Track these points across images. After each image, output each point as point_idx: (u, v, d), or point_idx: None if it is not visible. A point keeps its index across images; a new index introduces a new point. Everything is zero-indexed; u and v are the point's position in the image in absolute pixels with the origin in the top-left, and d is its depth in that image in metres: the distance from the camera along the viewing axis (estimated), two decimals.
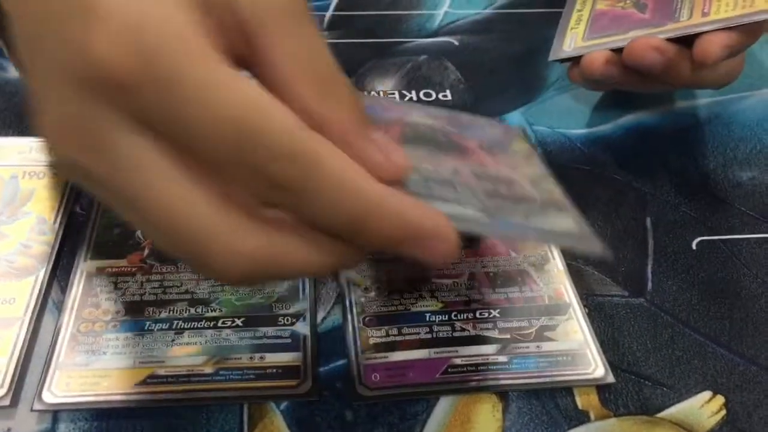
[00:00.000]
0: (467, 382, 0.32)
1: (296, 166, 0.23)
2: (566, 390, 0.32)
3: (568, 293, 0.35)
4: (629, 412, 0.31)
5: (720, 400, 0.32)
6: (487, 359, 0.32)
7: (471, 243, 0.37)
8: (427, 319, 0.34)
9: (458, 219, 0.27)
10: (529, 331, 0.33)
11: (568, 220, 0.31)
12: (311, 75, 0.25)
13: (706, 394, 0.32)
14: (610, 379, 0.32)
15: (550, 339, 0.33)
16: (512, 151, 0.36)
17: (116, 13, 0.23)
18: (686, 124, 0.46)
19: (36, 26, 0.24)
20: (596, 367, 0.32)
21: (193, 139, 0.23)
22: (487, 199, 0.30)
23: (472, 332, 0.33)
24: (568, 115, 0.46)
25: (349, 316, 0.34)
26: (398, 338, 0.33)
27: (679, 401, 0.32)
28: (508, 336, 0.33)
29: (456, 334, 0.33)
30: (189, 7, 0.24)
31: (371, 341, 0.33)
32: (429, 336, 0.33)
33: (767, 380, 0.32)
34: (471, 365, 0.32)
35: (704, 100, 0.48)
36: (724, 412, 0.31)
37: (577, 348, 0.33)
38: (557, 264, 0.37)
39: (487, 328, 0.33)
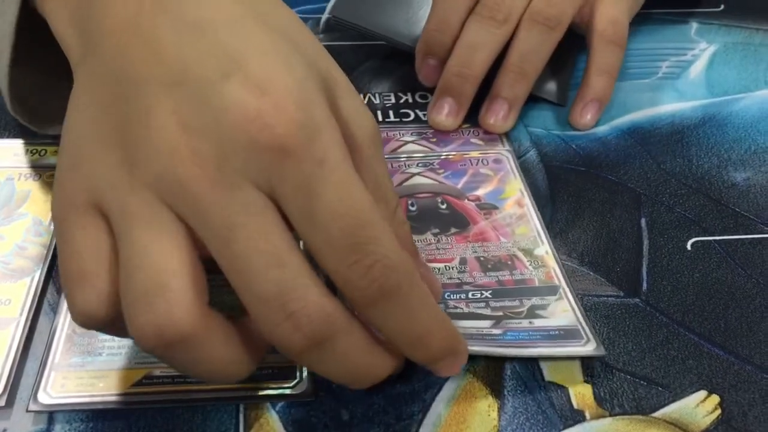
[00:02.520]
0: None
1: (395, 274, 0.25)
2: (562, 388, 0.32)
3: (558, 276, 0.36)
4: (624, 411, 0.31)
5: (715, 399, 0.32)
6: (481, 331, 0.33)
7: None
8: None
9: (470, 338, 0.32)
10: (521, 309, 0.34)
11: (565, 307, 0.34)
12: (381, 194, 0.28)
13: (701, 394, 0.32)
14: (602, 352, 0.32)
15: (541, 317, 0.34)
16: (505, 206, 0.39)
17: (281, 85, 0.25)
18: (681, 126, 0.46)
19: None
20: (588, 341, 0.33)
21: (312, 218, 0.25)
22: (494, 300, 0.34)
23: (465, 310, 0.34)
24: (563, 117, 0.46)
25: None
26: None
27: (674, 401, 0.32)
28: (501, 313, 0.34)
29: (449, 311, 0.34)
30: (330, 110, 0.26)
31: None
32: None
33: (762, 380, 0.32)
34: (465, 335, 0.32)
35: (699, 101, 0.48)
36: (719, 411, 0.31)
37: (568, 324, 0.33)
38: (546, 248, 0.37)
39: (480, 307, 0.34)
